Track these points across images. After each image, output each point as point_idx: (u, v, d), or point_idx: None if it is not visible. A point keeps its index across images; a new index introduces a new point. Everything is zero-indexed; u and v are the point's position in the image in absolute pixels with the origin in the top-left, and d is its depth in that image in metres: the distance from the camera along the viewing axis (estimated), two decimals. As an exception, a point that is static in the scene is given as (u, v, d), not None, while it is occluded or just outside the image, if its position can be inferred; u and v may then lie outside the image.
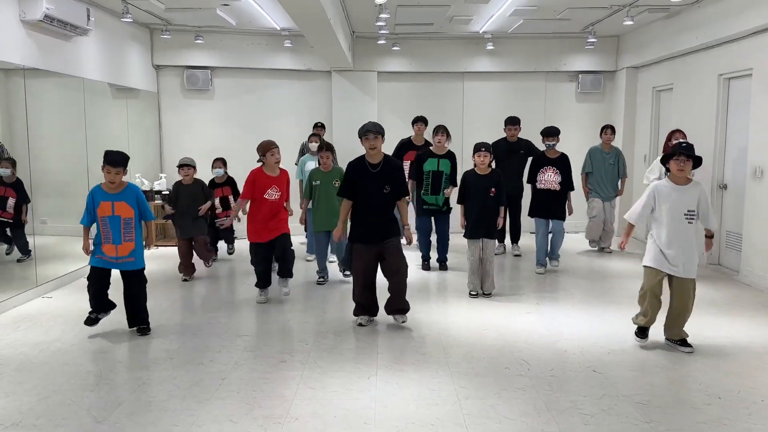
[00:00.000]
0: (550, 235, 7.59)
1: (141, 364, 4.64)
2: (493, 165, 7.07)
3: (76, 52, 7.51)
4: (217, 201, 7.82)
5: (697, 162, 4.79)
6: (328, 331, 5.37)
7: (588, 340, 5.12)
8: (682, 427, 3.61)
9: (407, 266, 5.43)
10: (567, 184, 7.50)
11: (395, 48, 10.22)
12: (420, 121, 8.55)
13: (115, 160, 5.04)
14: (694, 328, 5.40)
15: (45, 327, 5.50)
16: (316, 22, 6.71)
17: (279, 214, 6.18)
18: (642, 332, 4.99)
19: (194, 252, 7.37)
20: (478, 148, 6.38)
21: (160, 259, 8.56)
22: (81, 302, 5.43)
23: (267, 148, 6.12)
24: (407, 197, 5.62)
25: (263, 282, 6.33)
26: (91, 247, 5.17)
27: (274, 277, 6.45)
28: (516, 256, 8.59)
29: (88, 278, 5.22)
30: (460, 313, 5.93)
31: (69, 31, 6.99)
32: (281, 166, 6.29)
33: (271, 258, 6.35)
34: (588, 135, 10.15)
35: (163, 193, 9.52)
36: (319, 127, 9.21)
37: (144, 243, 5.18)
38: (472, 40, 10.39)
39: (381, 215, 5.31)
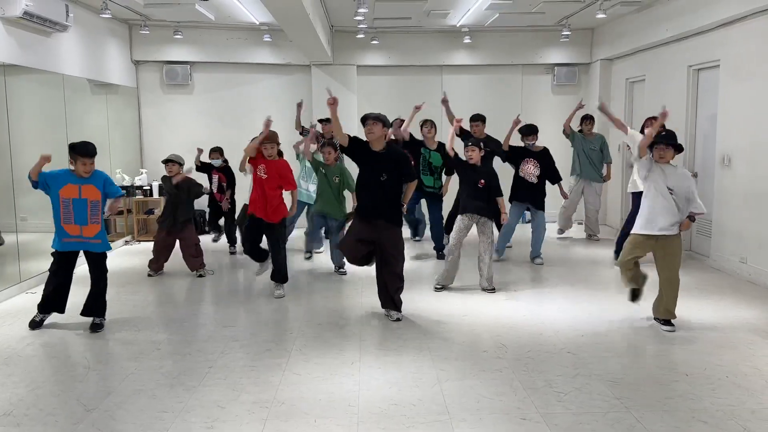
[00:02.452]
0: (529, 224, 7.78)
1: (128, 355, 4.72)
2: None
3: (56, 49, 7.52)
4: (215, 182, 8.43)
5: (678, 148, 5.12)
6: (313, 320, 5.50)
7: (563, 324, 5.31)
8: (651, 402, 3.81)
9: (399, 257, 5.48)
10: (552, 176, 7.72)
11: (374, 42, 10.33)
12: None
13: (90, 152, 5.09)
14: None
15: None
16: (295, 16, 6.79)
17: (279, 206, 6.22)
18: (634, 295, 5.40)
19: (182, 254, 7.30)
20: (466, 142, 6.38)
21: (141, 255, 8.58)
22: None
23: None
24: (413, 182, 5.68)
25: (256, 256, 6.43)
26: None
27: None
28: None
29: (51, 269, 5.22)
30: (440, 300, 6.09)
31: (48, 27, 7.00)
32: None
33: (259, 239, 6.41)
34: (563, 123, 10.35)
35: (144, 188, 9.57)
36: (324, 122, 8.93)
37: (106, 210, 5.23)
38: (449, 33, 10.52)
39: (381, 198, 5.37)
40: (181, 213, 7.18)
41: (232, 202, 8.55)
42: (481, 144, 6.39)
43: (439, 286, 6.43)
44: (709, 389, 3.99)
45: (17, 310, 5.94)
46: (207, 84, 10.49)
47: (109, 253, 5.44)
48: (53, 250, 5.24)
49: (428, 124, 7.97)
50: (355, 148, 5.38)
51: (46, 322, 5.40)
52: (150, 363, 4.52)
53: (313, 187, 7.72)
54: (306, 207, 8.01)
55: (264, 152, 6.18)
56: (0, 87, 6.48)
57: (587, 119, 9.01)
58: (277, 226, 6.26)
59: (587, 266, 7.54)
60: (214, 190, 8.48)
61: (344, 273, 7.11)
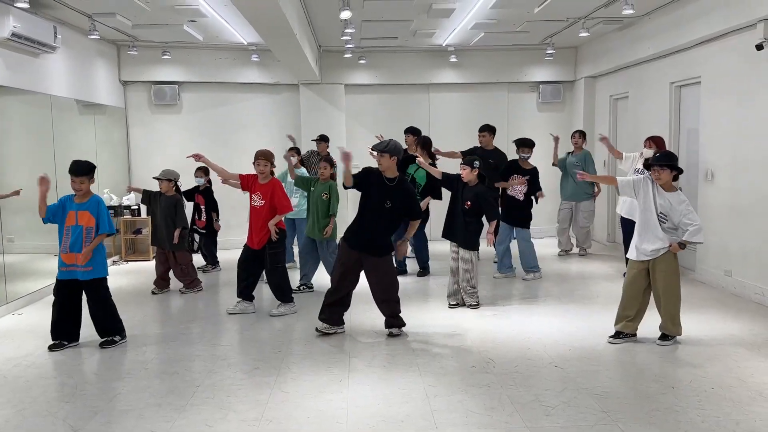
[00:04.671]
0: (515, 242, 7.76)
1: (116, 375, 4.70)
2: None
3: (44, 69, 7.54)
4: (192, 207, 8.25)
5: (675, 169, 4.96)
6: (301, 339, 5.49)
7: (550, 339, 5.33)
8: (638, 415, 3.83)
9: (391, 284, 5.46)
10: (531, 195, 7.59)
11: (361, 61, 10.43)
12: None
13: (78, 170, 5.18)
14: (651, 323, 5.65)
15: (17, 343, 5.51)
16: (282, 36, 6.87)
17: (266, 228, 6.11)
18: (615, 334, 5.24)
19: (173, 271, 7.31)
20: (462, 161, 6.32)
21: (130, 274, 8.57)
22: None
23: (254, 158, 6.25)
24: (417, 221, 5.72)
25: (239, 289, 6.36)
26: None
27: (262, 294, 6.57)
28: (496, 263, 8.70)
29: (55, 293, 5.25)
30: (428, 317, 6.11)
31: (36, 48, 7.03)
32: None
33: (254, 271, 6.36)
34: (550, 143, 10.45)
35: (132, 207, 9.56)
36: (318, 140, 9.20)
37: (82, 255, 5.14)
38: (436, 52, 10.65)
39: (374, 225, 5.37)
40: (170, 239, 7.20)
41: (209, 221, 8.50)
42: (476, 164, 6.17)
43: (453, 303, 6.43)
44: (695, 401, 4.02)
45: (3, 331, 5.89)
46: (195, 104, 10.53)
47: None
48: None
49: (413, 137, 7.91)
50: (363, 178, 5.42)
51: (36, 344, 5.37)
52: (137, 382, 4.50)
53: (294, 201, 7.76)
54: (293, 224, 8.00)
55: (255, 168, 6.18)
56: (-13, 108, 6.49)
57: (575, 133, 9.08)
58: (266, 250, 6.18)
59: (574, 281, 7.59)
60: (196, 218, 8.23)
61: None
